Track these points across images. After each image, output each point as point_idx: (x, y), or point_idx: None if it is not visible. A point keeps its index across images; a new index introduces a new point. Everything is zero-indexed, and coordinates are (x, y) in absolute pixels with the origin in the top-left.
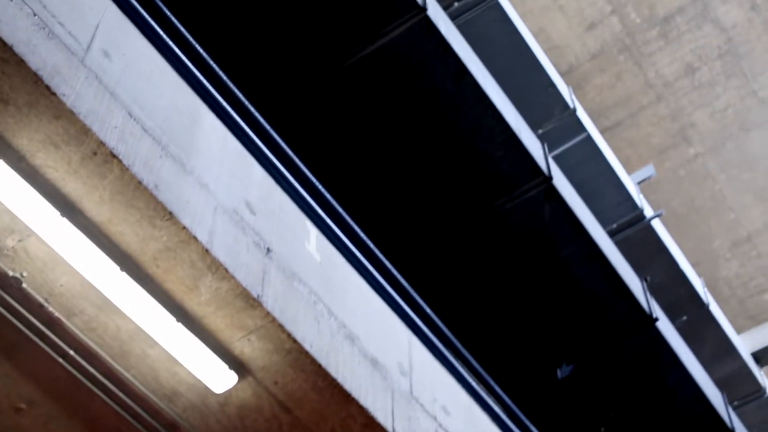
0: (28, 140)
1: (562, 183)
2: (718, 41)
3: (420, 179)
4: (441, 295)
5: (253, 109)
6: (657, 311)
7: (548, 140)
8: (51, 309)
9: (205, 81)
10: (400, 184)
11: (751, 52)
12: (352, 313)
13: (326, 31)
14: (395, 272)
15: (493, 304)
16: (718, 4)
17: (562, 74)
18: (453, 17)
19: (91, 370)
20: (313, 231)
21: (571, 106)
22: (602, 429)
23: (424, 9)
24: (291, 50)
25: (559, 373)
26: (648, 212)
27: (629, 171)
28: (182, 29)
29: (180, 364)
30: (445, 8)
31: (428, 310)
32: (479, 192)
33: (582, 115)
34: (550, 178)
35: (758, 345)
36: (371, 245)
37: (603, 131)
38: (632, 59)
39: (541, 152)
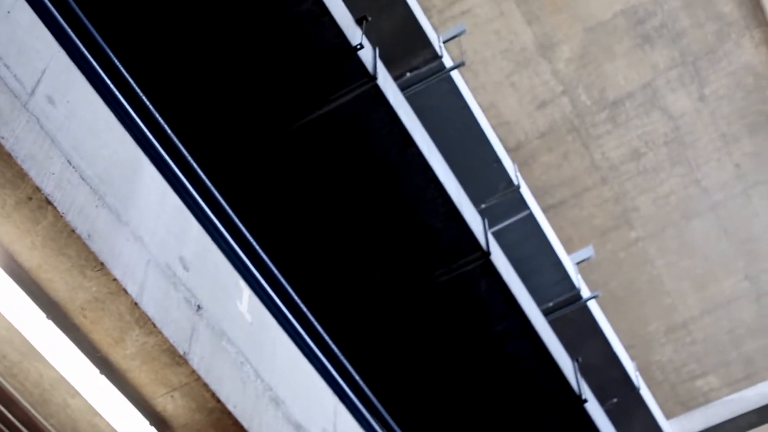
0: None
1: (500, 259)
2: (665, 129)
3: (360, 245)
4: (372, 363)
5: (194, 165)
6: (586, 392)
7: (491, 215)
8: None
9: (149, 134)
10: (340, 249)
11: (696, 142)
12: (279, 376)
13: (276, 93)
14: (326, 337)
15: (423, 375)
16: (667, 93)
17: (510, 150)
18: (404, 87)
19: (9, 416)
20: (246, 291)
21: (516, 182)
22: None
23: (374, 78)
24: (240, 109)
25: None
26: (585, 293)
27: (570, 250)
28: (131, 81)
29: (100, 416)
30: (397, 78)
31: (357, 378)
32: (418, 262)
33: (525, 192)
34: (488, 253)
35: (687, 431)
36: (304, 309)
37: (547, 209)
38: (580, 140)
39: (481, 227)
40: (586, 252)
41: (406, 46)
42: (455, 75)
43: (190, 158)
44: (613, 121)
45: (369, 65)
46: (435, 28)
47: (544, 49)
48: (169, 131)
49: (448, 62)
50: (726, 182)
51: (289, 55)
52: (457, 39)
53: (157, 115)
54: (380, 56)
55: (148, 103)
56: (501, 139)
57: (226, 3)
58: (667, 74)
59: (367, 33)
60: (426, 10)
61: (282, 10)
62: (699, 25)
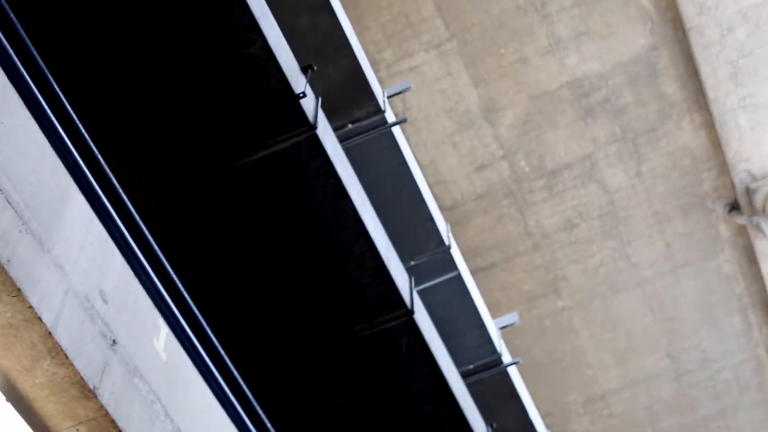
0: None
1: (423, 318)
2: (600, 202)
3: (285, 292)
4: (287, 412)
5: (124, 197)
6: None
7: (419, 273)
8: None
9: (81, 163)
10: (265, 294)
11: (630, 218)
12: (190, 418)
13: (216, 131)
14: (242, 383)
15: (340, 428)
16: (605, 166)
17: (445, 209)
18: (344, 138)
19: None
20: (165, 329)
21: (447, 243)
22: None
23: (314, 127)
24: (178, 145)
25: None
26: (506, 358)
27: (497, 314)
28: (69, 109)
29: None
30: (338, 128)
31: (269, 427)
32: (341, 314)
33: (456, 253)
34: (412, 312)
35: None
36: (222, 352)
37: (476, 271)
38: (516, 205)
39: (407, 285)
40: (511, 318)
41: (351, 98)
42: (396, 130)
43: (120, 190)
44: (549, 190)
45: (310, 114)
46: (381, 82)
47: (488, 112)
48: (102, 162)
49: (390, 117)
50: (656, 260)
51: (233, 95)
52: (402, 94)
53: (92, 145)
54: (324, 105)
55: (84, 132)
56: (437, 198)
57: (176, 37)
58: (607, 148)
59: (312, 81)
60: (374, 63)
61: (230, 51)
62: (642, 103)
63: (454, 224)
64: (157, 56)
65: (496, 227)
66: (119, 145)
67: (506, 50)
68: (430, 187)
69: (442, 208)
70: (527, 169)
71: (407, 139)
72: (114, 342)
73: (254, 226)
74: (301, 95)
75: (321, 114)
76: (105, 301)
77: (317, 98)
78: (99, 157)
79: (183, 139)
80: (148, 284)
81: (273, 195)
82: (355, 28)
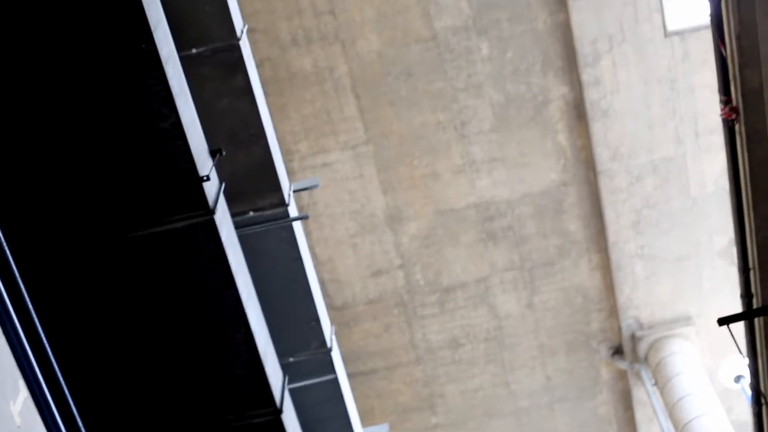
0: None
1: (290, 419)
2: (488, 325)
3: (160, 369)
4: None
5: (8, 255)
6: None
7: (297, 370)
8: None
9: None
10: (139, 370)
11: (515, 346)
12: None
13: (116, 201)
14: None
15: None
16: (498, 292)
17: (335, 308)
18: (244, 224)
19: None
20: (24, 393)
21: (329, 345)
22: None
23: (212, 212)
24: (76, 212)
25: None
26: None
27: (369, 421)
28: None
29: None
30: (240, 213)
31: None
32: (213, 401)
33: (336, 356)
34: (280, 411)
35: None
36: (79, 423)
37: (356, 374)
38: (405, 316)
39: (280, 383)
40: (382, 428)
41: (257, 186)
42: (297, 225)
43: (6, 246)
44: (441, 306)
45: (211, 198)
46: (293, 173)
47: (393, 220)
48: None
49: (293, 212)
50: (534, 391)
51: (138, 167)
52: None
53: None
54: (229, 189)
55: None
56: (329, 296)
57: (89, 98)
58: (503, 274)
59: (221, 163)
60: (289, 153)
61: (142, 122)
62: (544, 236)
63: (342, 325)
64: (65, 113)
65: (382, 334)
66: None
67: (420, 162)
68: (325, 283)
69: (332, 307)
70: (422, 282)
71: (309, 232)
72: None
73: (139, 300)
74: (205, 178)
75: (222, 199)
76: None
77: (221, 183)
78: None
79: (79, 203)
80: (14, 342)
81: (162, 272)
82: (276, 115)
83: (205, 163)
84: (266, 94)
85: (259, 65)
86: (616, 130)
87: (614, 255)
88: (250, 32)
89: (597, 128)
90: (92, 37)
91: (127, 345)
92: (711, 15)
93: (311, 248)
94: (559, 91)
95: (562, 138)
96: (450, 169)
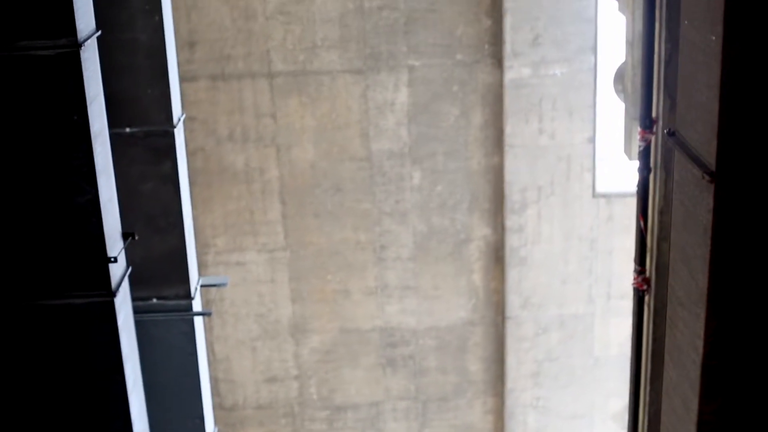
0: None
1: None
2: None
3: None
4: None
5: None
6: None
7: None
8: None
9: None
10: None
11: None
12: None
13: (20, 267)
14: None
15: None
16: (389, 419)
17: (224, 408)
18: (145, 310)
19: None
20: None
21: None
22: None
23: (113, 294)
24: None
25: None
26: None
27: None
28: None
29: None
30: (143, 299)
31: None
32: None
33: None
34: None
35: None
36: None
37: None
38: (292, 427)
39: None
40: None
41: (165, 274)
42: (198, 320)
43: None
44: (330, 424)
45: (114, 280)
46: (206, 266)
47: (297, 330)
48: None
49: (197, 306)
50: None
51: (48, 236)
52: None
53: None
54: (137, 273)
55: None
56: (220, 395)
57: (5, 161)
58: (397, 402)
59: (134, 246)
60: (206, 245)
61: (60, 194)
62: (443, 372)
63: (228, 426)
64: None
65: None
66: None
67: (334, 278)
68: (218, 382)
69: (221, 407)
70: (315, 396)
71: (211, 328)
72: None
73: (25, 369)
74: (112, 259)
75: (126, 283)
76: None
77: (128, 266)
78: None
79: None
80: None
81: (51, 346)
82: (199, 207)
83: (115, 244)
84: (194, 184)
85: (191, 154)
86: (530, 280)
87: (509, 402)
88: (189, 120)
89: (512, 274)
90: (24, 100)
91: (5, 410)
92: (638, 186)
93: (210, 344)
94: (481, 232)
95: (477, 278)
96: (362, 289)
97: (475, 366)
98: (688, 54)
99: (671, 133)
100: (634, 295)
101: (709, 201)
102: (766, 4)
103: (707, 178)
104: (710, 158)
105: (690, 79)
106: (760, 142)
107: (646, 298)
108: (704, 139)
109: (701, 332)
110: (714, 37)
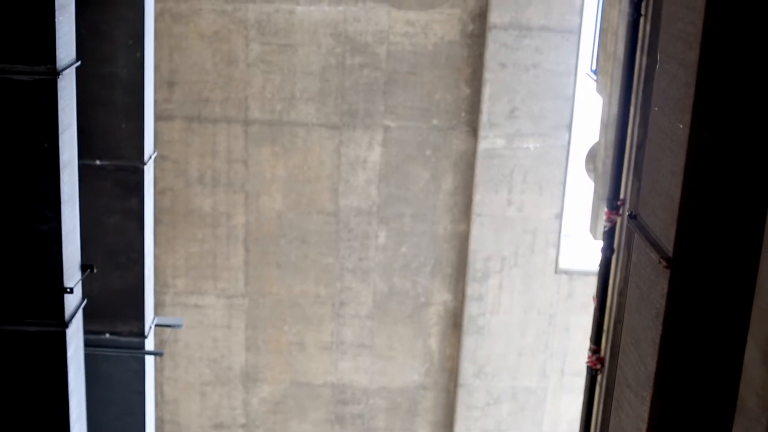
0: None
1: None
2: None
3: None
4: None
5: None
6: None
7: None
8: None
9: None
10: None
11: None
12: None
13: None
14: None
15: None
16: None
17: None
18: (95, 344)
19: None
20: None
21: None
22: None
23: (65, 324)
24: None
25: None
26: None
27: None
28: None
29: None
30: (95, 333)
31: None
32: None
33: None
34: None
35: None
36: None
37: None
38: None
39: None
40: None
41: (121, 310)
42: (150, 359)
43: None
44: None
45: (68, 311)
46: (162, 306)
47: (248, 379)
48: None
49: (150, 344)
50: None
51: (7, 260)
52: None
53: None
54: (93, 306)
55: None
56: None
57: None
58: None
59: (92, 279)
60: (165, 285)
61: (23, 220)
62: None
63: None
64: None
65: None
66: None
67: (290, 329)
68: (163, 423)
69: None
70: None
71: (162, 368)
72: None
73: None
74: (68, 290)
75: (79, 315)
76: None
77: (83, 298)
78: None
79: None
80: None
81: (8, 371)
82: (163, 245)
83: (73, 275)
84: (159, 222)
85: (160, 193)
86: (486, 349)
87: None
88: (161, 159)
89: (468, 342)
90: None
91: None
92: (600, 265)
93: (160, 385)
94: (441, 297)
95: (433, 342)
96: (317, 343)
97: (424, 430)
98: (655, 140)
99: (633, 216)
100: (588, 373)
101: (663, 286)
102: (734, 97)
103: (664, 263)
104: (668, 244)
105: (656, 164)
106: (718, 231)
107: (599, 377)
108: (664, 225)
109: (645, 415)
110: (681, 126)
